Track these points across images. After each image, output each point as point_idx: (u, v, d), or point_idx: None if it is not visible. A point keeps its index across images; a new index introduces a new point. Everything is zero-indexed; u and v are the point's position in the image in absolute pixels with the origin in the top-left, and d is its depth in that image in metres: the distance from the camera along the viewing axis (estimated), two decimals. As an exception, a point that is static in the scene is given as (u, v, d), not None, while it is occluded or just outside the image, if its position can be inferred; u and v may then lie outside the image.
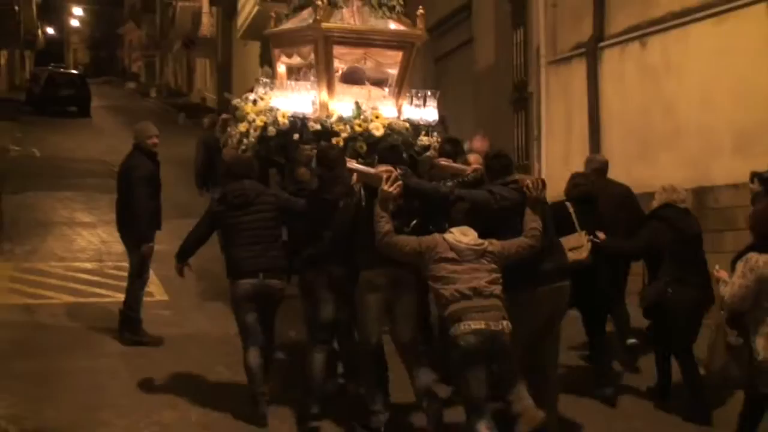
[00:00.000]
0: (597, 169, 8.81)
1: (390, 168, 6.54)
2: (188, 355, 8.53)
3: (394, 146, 7.46)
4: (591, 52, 11.65)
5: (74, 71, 42.84)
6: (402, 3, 9.12)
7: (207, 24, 39.61)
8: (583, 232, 7.39)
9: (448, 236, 6.17)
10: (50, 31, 64.77)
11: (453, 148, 8.14)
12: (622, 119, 11.18)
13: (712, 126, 9.62)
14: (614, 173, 11.03)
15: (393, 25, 9.07)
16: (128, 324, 8.95)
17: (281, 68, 9.42)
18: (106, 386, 7.62)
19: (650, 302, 7.53)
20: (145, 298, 9.30)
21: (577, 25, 12.19)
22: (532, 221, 6.31)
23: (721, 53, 9.47)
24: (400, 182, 6.35)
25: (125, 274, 11.20)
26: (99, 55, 71.16)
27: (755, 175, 7.54)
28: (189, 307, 10.06)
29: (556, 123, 12.62)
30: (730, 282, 6.17)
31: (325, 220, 6.87)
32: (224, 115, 10.33)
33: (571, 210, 7.54)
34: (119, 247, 12.90)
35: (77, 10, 71.33)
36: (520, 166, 13.74)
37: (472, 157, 7.79)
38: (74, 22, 73.21)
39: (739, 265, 6.12)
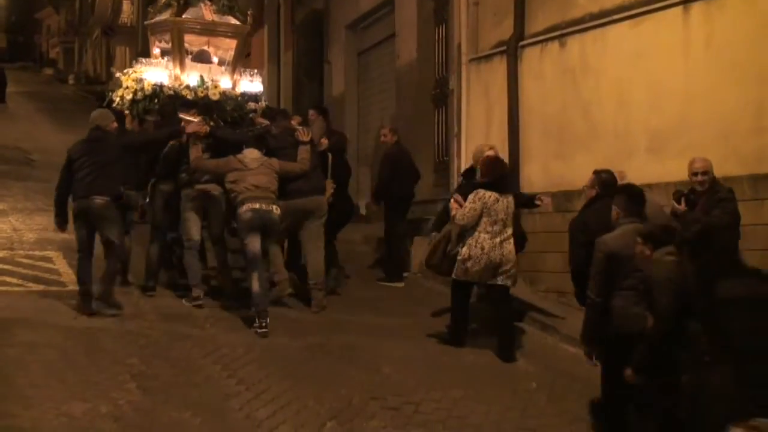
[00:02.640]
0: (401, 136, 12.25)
1: (200, 119, 9.77)
2: (100, 347, 8.39)
3: (207, 105, 10.92)
4: (511, 50, 11.74)
5: (-11, 55, 41.82)
6: (238, 3, 12.82)
7: (127, 11, 39.07)
8: (331, 180, 10.44)
9: (238, 155, 9.45)
10: (-35, 13, 63.16)
11: (270, 113, 11.25)
12: (541, 118, 11.31)
13: (628, 127, 9.78)
14: (532, 170, 11.22)
15: (233, 21, 12.61)
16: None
17: (156, 50, 12.72)
18: (14, 377, 7.43)
19: None
20: (58, 288, 9.11)
21: (498, 23, 12.28)
22: (301, 153, 9.81)
23: (638, 55, 9.64)
24: (205, 127, 9.63)
25: (37, 263, 10.99)
26: (16, 40, 69.32)
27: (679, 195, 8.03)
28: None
29: (476, 120, 12.70)
30: (461, 208, 8.72)
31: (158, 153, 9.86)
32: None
33: (330, 161, 10.64)
34: (31, 235, 12.68)
35: (-7, -7, 69.62)
36: (440, 162, 13.87)
37: (294, 121, 10.98)
38: (-10, 5, 71.41)
39: (472, 196, 8.71)
